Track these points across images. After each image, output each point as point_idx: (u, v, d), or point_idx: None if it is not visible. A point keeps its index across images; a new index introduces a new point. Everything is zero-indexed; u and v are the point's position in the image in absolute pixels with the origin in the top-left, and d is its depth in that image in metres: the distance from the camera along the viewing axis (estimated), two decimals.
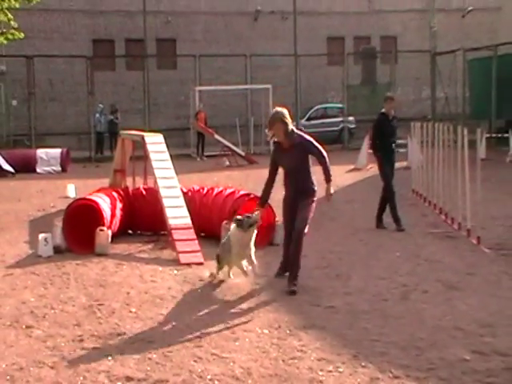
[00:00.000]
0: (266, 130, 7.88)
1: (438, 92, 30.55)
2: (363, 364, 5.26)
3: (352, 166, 20.32)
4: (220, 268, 7.85)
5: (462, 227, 10.27)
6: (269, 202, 10.06)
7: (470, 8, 34.46)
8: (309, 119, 31.18)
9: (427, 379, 4.94)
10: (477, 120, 25.74)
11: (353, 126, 30.41)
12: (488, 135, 22.31)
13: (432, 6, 33.37)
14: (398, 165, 15.43)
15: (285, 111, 7.49)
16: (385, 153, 11.12)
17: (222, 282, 7.95)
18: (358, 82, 32.44)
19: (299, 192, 7.59)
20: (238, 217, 7.49)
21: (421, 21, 34.36)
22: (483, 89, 27.28)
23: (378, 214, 11.08)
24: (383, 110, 11.34)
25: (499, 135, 23.08)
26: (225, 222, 9.82)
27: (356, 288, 7.50)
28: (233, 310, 6.77)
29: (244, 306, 6.92)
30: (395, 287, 7.44)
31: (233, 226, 7.61)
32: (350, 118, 29.90)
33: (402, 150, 20.05)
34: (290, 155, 7.50)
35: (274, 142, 7.84)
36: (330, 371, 5.16)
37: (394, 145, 11.25)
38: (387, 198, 10.98)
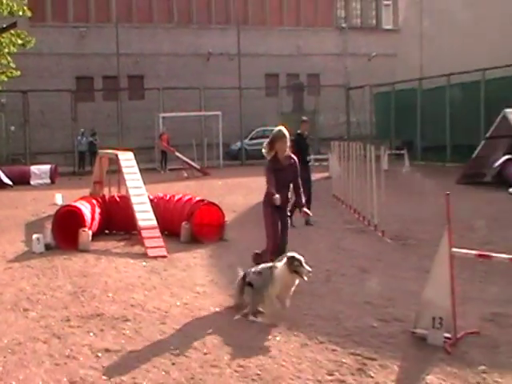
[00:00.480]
0: (265, 146, 6.73)
1: (351, 118, 31.08)
2: (295, 333, 5.30)
3: None
4: (255, 306, 5.75)
5: (370, 223, 10.41)
6: (219, 205, 10.15)
7: (374, 54, 35.18)
8: (251, 139, 31.31)
9: (344, 343, 5.02)
10: (381, 140, 26.28)
11: None
12: (389, 152, 22.79)
13: (346, 52, 34.12)
14: (321, 175, 15.68)
15: (285, 130, 6.65)
16: (301, 165, 11.17)
17: (183, 270, 7.90)
18: (290, 109, 32.73)
19: (283, 206, 6.74)
20: (293, 254, 5.61)
21: (337, 62, 34.94)
22: (385, 116, 27.95)
23: (291, 214, 10.94)
24: (299, 131, 11.40)
25: (397, 152, 23.61)
26: (184, 222, 9.79)
27: None
28: (191, 294, 6.74)
29: (200, 290, 6.89)
30: (320, 272, 7.48)
31: (282, 263, 5.68)
32: None
33: (324, 163, 20.36)
34: (284, 172, 6.66)
35: (269, 162, 6.70)
36: (270, 339, 5.19)
37: (308, 157, 11.34)
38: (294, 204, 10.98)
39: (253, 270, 5.96)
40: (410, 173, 20.89)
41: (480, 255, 5.03)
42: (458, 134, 22.25)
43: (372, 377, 4.39)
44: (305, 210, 6.85)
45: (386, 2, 38.38)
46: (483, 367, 4.48)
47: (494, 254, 5.04)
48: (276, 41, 34.77)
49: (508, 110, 15.90)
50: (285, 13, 36.24)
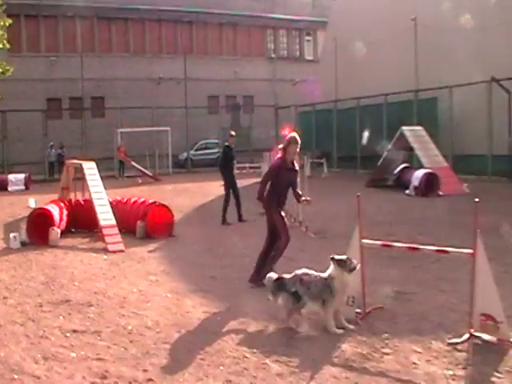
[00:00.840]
0: (280, 147, 6.42)
1: (279, 132, 31.35)
2: (234, 312, 5.33)
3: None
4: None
5: (296, 220, 10.50)
6: (168, 205, 10.02)
7: (298, 80, 35.67)
8: (196, 150, 31.25)
9: (276, 320, 5.04)
10: (304, 150, 26.61)
11: None
12: (311, 160, 23.18)
13: (275, 77, 34.50)
14: (254, 180, 15.72)
15: (298, 137, 6.23)
16: (228, 172, 11.25)
17: (138, 262, 7.76)
18: (229, 125, 32.57)
19: (282, 207, 6.35)
20: (339, 257, 4.81)
21: (268, 86, 35.27)
22: (308, 131, 28.24)
23: (223, 214, 10.97)
24: (227, 143, 11.39)
25: (317, 160, 24.05)
26: (139, 221, 9.64)
27: (229, 263, 7.56)
28: (146, 282, 6.65)
29: (153, 278, 6.81)
30: (254, 261, 7.50)
31: (332, 268, 4.85)
32: None
33: (258, 170, 20.45)
34: (289, 175, 6.25)
35: (280, 160, 6.27)
36: (213, 320, 5.19)
37: (234, 166, 11.37)
38: (225, 204, 11.05)
39: (291, 277, 5.00)
40: (328, 178, 21.39)
41: (384, 245, 5.21)
42: (366, 146, 22.94)
43: (299, 347, 4.47)
44: (305, 198, 6.53)
45: (307, 38, 39.19)
46: (386, 335, 4.65)
47: (395, 244, 5.24)
48: (217, 68, 34.78)
49: (404, 128, 16.59)
50: (224, 44, 36.36)
